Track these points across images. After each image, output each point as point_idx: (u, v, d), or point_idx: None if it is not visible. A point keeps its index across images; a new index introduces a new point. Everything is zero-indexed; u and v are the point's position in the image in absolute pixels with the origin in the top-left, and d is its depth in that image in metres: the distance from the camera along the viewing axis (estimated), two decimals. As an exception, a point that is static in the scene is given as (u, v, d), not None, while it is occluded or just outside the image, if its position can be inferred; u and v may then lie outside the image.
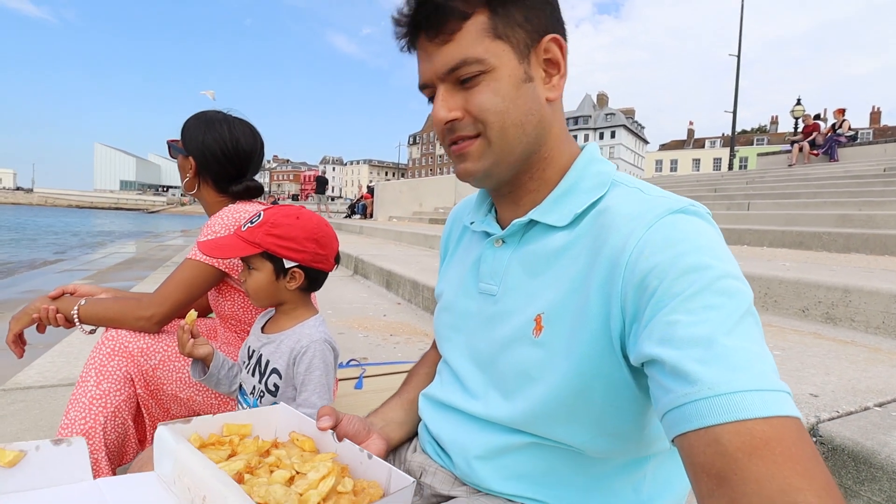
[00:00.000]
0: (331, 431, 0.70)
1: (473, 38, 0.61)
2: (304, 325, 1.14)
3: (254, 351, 1.17)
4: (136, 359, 1.22)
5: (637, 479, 0.68)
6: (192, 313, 1.08)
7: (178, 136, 1.42)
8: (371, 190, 16.71)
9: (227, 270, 1.28)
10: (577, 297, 0.61)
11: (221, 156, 1.38)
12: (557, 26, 0.66)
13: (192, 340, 1.08)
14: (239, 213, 1.30)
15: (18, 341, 1.25)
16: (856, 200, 5.76)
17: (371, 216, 15.31)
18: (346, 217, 17.85)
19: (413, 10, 0.63)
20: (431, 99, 0.68)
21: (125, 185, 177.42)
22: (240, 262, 1.19)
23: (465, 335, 0.76)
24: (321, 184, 17.50)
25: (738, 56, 18.05)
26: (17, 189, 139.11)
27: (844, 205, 5.69)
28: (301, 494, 0.55)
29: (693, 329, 0.48)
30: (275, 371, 1.11)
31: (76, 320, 1.23)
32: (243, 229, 1.10)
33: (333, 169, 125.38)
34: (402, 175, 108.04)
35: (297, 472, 0.60)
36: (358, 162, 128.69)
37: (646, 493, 0.69)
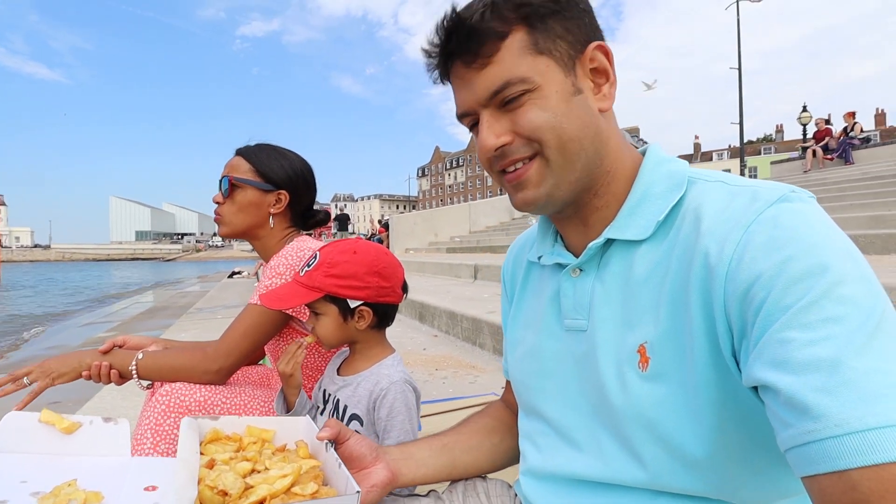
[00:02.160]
0: (327, 442, 0.70)
1: (515, 57, 0.57)
2: (382, 366, 1.07)
3: (330, 395, 1.10)
4: (193, 414, 1.13)
5: None
6: (311, 337, 1.05)
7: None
8: (385, 224, 16.70)
9: (292, 313, 1.21)
10: (679, 317, 0.53)
11: (312, 183, 1.34)
12: (598, 33, 0.61)
13: (302, 352, 1.05)
14: (303, 252, 1.23)
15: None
16: (883, 201, 5.70)
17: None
18: (360, 253, 17.79)
19: (445, 38, 0.59)
20: (472, 127, 0.64)
21: (140, 236, 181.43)
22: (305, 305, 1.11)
23: (559, 381, 0.67)
24: (343, 221, 17.29)
25: (739, 69, 18.15)
26: (35, 246, 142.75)
27: (872, 206, 5.59)
28: (251, 486, 0.61)
29: (812, 349, 0.40)
30: (355, 417, 1.03)
31: (135, 375, 1.14)
32: (301, 274, 1.04)
33: (345, 206, 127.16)
34: (413, 207, 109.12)
35: (266, 468, 0.66)
36: (369, 197, 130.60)
37: None
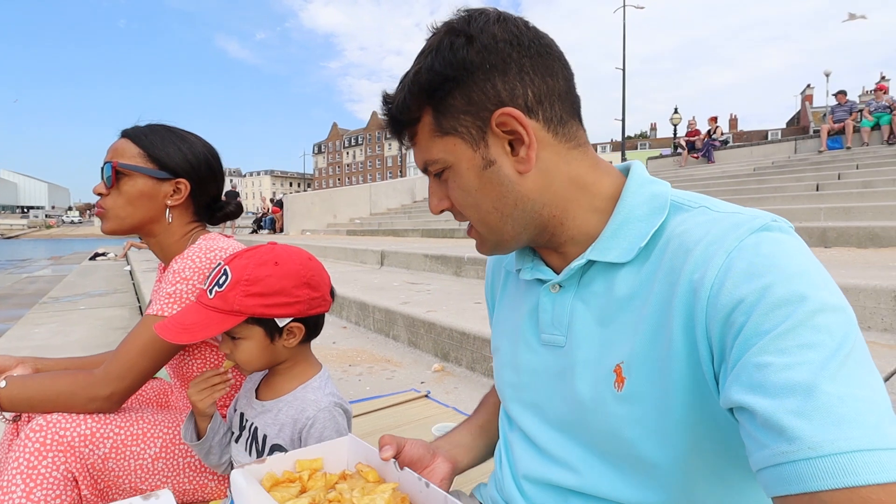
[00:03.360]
0: (393, 460, 0.69)
1: (427, 141, 0.61)
2: (307, 389, 0.95)
3: (247, 421, 0.96)
4: (77, 450, 0.94)
5: None
6: (230, 362, 0.91)
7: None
8: (279, 203, 15.69)
9: None
10: (659, 339, 0.54)
11: (218, 170, 1.15)
12: (517, 90, 0.57)
13: (224, 388, 0.93)
14: (213, 253, 1.05)
15: None
16: (738, 198, 6.52)
17: (281, 230, 14.45)
18: (252, 233, 16.61)
19: (385, 123, 0.65)
20: None
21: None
22: None
23: (534, 394, 0.68)
24: (233, 199, 15.90)
25: (623, 70, 19.75)
26: None
27: (730, 201, 6.39)
28: None
29: (788, 373, 0.42)
30: (277, 448, 0.92)
31: None
32: (210, 295, 0.87)
33: (231, 181, 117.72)
34: (309, 185, 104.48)
35: None
36: (259, 173, 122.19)
37: None
